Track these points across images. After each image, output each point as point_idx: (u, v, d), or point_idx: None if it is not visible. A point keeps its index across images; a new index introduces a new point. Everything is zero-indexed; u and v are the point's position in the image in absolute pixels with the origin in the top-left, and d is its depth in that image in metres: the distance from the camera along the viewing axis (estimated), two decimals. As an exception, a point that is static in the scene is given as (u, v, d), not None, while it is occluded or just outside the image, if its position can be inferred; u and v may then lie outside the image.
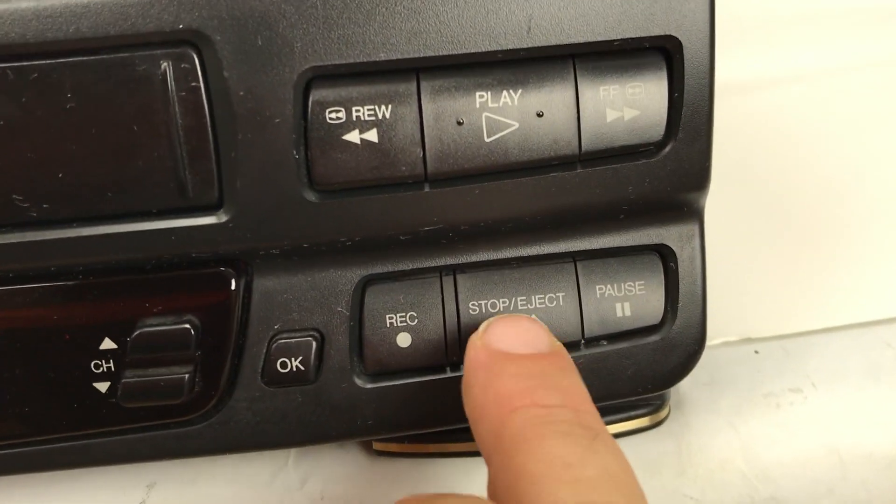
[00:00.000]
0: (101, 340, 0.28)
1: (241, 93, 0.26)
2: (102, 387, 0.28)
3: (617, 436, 0.34)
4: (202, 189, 0.26)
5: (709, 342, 0.31)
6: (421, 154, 0.27)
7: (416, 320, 0.29)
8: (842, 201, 0.40)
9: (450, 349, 0.29)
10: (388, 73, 0.26)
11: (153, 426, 0.29)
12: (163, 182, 0.26)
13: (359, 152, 0.26)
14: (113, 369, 0.28)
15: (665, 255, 0.30)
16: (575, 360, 0.28)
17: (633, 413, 0.33)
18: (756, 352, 0.39)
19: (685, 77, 0.27)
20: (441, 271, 0.30)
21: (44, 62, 0.25)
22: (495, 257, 0.30)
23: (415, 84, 0.26)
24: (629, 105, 0.27)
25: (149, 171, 0.26)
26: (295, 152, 0.26)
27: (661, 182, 0.28)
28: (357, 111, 0.26)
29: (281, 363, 0.29)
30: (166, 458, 0.30)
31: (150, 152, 0.26)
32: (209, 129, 0.26)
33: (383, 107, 0.26)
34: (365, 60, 0.26)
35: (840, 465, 0.34)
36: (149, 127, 0.26)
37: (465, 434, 0.31)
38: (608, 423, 0.29)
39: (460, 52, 0.26)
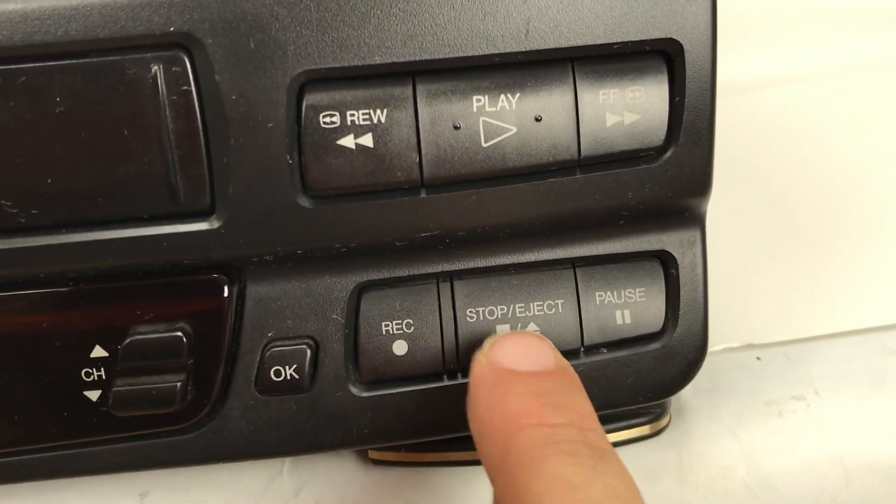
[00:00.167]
0: (92, 348, 0.28)
1: (234, 97, 0.25)
2: (93, 395, 0.28)
3: (617, 444, 0.33)
4: (194, 194, 0.26)
5: (710, 348, 0.31)
6: (417, 159, 0.26)
7: (413, 328, 0.29)
8: (845, 204, 0.40)
9: (447, 357, 0.29)
10: (383, 76, 0.26)
11: (145, 435, 0.29)
12: (154, 187, 0.26)
13: (354, 157, 0.26)
14: (104, 377, 0.28)
15: (666, 262, 0.30)
16: (574, 368, 0.28)
17: (633, 421, 0.33)
18: (758, 358, 0.39)
19: (686, 81, 0.27)
20: (438, 278, 0.29)
21: (32, 65, 0.25)
22: (493, 264, 0.29)
23: (411, 88, 0.26)
24: (629, 109, 0.27)
25: (139, 176, 0.26)
26: (288, 157, 0.26)
27: (661, 188, 0.28)
28: (352, 115, 0.26)
29: (275, 371, 0.28)
30: (158, 468, 0.30)
31: (140, 157, 0.25)
32: (201, 133, 0.25)
33: (378, 111, 0.26)
34: (360, 64, 0.25)
35: (843, 473, 0.34)
36: (139, 131, 0.25)
37: (463, 443, 0.30)
38: (608, 432, 0.29)
39: (457, 56, 0.26)
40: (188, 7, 0.25)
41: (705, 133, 0.27)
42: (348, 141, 0.26)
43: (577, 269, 0.29)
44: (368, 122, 0.26)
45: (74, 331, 0.27)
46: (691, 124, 0.27)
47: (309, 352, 0.28)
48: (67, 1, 0.24)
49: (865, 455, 0.34)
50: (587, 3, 0.26)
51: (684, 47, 0.26)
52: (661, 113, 0.27)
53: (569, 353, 0.29)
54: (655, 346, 0.30)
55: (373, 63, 0.25)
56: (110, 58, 0.25)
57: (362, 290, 0.29)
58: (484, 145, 0.26)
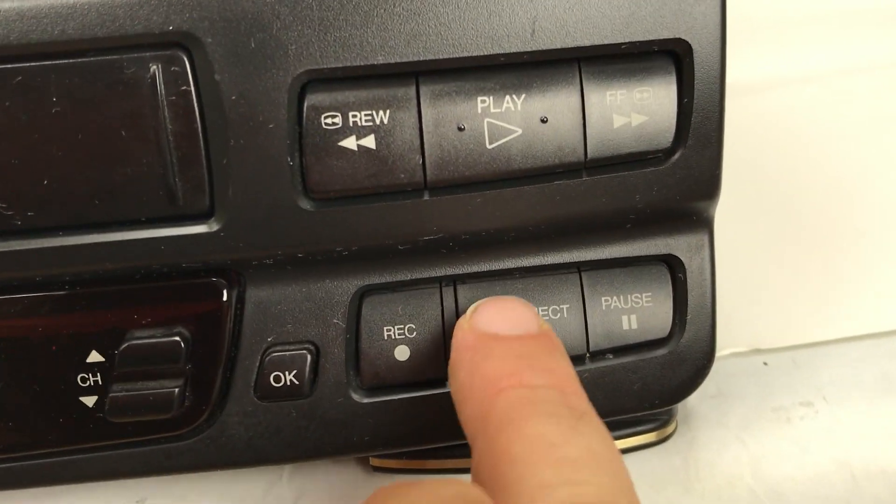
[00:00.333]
0: (88, 353, 0.27)
1: (234, 97, 0.25)
2: (89, 401, 0.27)
3: (623, 451, 0.33)
4: (193, 197, 0.26)
5: (717, 353, 0.30)
6: (420, 161, 0.26)
7: (415, 333, 0.28)
8: (854, 206, 0.39)
9: (449, 363, 0.28)
10: (386, 77, 0.25)
11: (142, 441, 0.28)
12: (152, 189, 0.25)
13: (356, 159, 0.26)
14: (100, 383, 0.27)
15: (673, 266, 0.29)
16: (579, 374, 0.27)
17: (639, 428, 0.32)
18: (765, 363, 0.38)
19: (695, 82, 0.26)
20: (441, 282, 0.29)
21: (28, 65, 0.24)
22: (497, 267, 0.29)
23: (414, 88, 0.25)
24: (637, 111, 0.26)
25: (137, 177, 0.25)
26: (289, 159, 0.25)
27: (669, 190, 0.27)
28: (354, 116, 0.25)
29: (274, 377, 0.28)
30: (156, 474, 0.29)
31: (138, 158, 0.25)
32: (200, 134, 0.25)
33: (381, 112, 0.25)
34: (362, 64, 0.25)
35: (852, 481, 0.33)
36: (137, 132, 0.25)
37: (465, 450, 0.30)
38: (614, 439, 0.29)
39: (461, 56, 0.25)
40: (188, 5, 0.24)
41: (714, 135, 0.27)
42: (350, 142, 0.25)
43: (582, 274, 0.29)
44: (371, 124, 0.25)
45: (70, 335, 0.27)
46: (700, 126, 0.27)
47: (309, 357, 0.28)
48: (64, -1, 0.24)
49: (875, 462, 0.34)
50: (594, 2, 0.25)
51: (693, 48, 0.26)
52: (670, 114, 0.27)
53: (574, 359, 0.28)
54: (662, 351, 0.29)
55: (376, 63, 0.25)
56: (108, 57, 0.24)
57: (364, 294, 0.28)
58: (489, 147, 0.26)
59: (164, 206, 0.26)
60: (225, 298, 0.27)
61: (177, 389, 0.27)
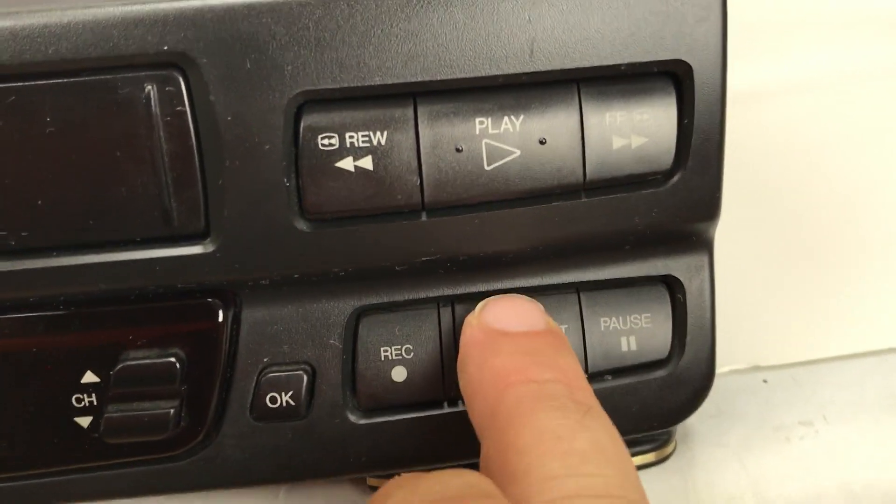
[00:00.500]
0: (83, 374, 0.27)
1: (229, 118, 0.25)
2: (84, 422, 0.27)
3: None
4: (188, 217, 0.25)
5: (716, 371, 0.30)
6: (418, 182, 0.26)
7: (412, 353, 0.28)
8: (855, 220, 0.39)
9: (447, 384, 0.28)
10: (383, 97, 0.25)
11: (137, 462, 0.28)
12: (147, 210, 0.25)
13: (352, 180, 0.25)
14: (95, 404, 0.27)
15: (673, 287, 0.29)
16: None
17: (638, 449, 0.32)
18: (765, 381, 0.38)
19: (695, 103, 0.26)
20: (438, 302, 0.28)
21: (21, 84, 0.24)
22: (495, 288, 0.28)
23: (412, 109, 0.25)
24: (636, 132, 0.26)
25: (132, 198, 0.25)
26: (285, 180, 0.25)
27: (669, 212, 0.27)
28: (351, 137, 0.25)
29: (270, 398, 0.28)
30: (151, 495, 0.29)
31: (133, 179, 0.25)
32: (195, 155, 0.25)
33: (378, 133, 0.25)
34: (359, 85, 0.25)
35: (854, 502, 0.33)
36: (132, 152, 0.25)
37: (463, 472, 0.30)
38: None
39: (459, 77, 0.25)
40: (183, 26, 0.24)
41: (714, 156, 0.27)
42: (347, 163, 0.25)
43: (581, 294, 0.29)
44: (368, 145, 0.25)
45: (65, 356, 0.27)
46: (700, 147, 0.26)
47: (305, 378, 0.28)
48: (58, 18, 0.24)
49: (877, 484, 0.33)
50: (594, 23, 0.25)
51: (693, 69, 0.26)
52: (669, 136, 0.26)
53: (572, 381, 0.28)
54: (661, 373, 0.29)
55: (373, 84, 0.25)
56: (102, 77, 0.24)
57: (360, 314, 0.28)
58: (487, 168, 0.26)
59: (159, 227, 0.25)
60: (221, 319, 0.27)
61: (172, 410, 0.27)
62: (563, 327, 0.28)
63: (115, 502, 0.30)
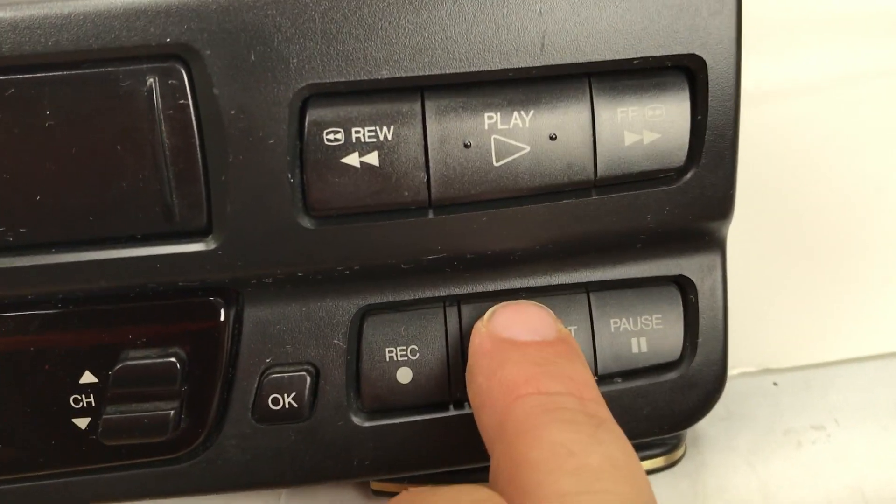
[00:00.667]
0: (81, 374, 0.26)
1: (233, 111, 0.24)
2: (82, 423, 0.27)
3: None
4: (190, 214, 0.25)
5: (726, 374, 0.29)
6: (425, 178, 0.25)
7: (418, 354, 0.28)
8: (866, 222, 0.38)
9: (453, 385, 0.28)
10: (390, 91, 0.25)
11: (137, 464, 0.28)
12: (148, 206, 0.25)
13: (358, 176, 0.25)
14: (93, 404, 0.27)
15: (684, 287, 0.28)
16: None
17: (647, 453, 0.32)
18: (775, 384, 0.38)
19: (709, 99, 0.25)
20: (445, 302, 0.28)
21: (21, 77, 0.24)
22: (503, 287, 0.28)
23: (419, 104, 0.25)
24: (649, 128, 0.26)
25: (133, 193, 0.25)
26: (290, 175, 0.25)
27: (681, 210, 0.26)
28: (357, 132, 0.25)
29: (273, 399, 0.27)
30: (151, 498, 0.28)
31: (134, 174, 0.24)
32: (198, 149, 0.24)
33: (385, 128, 0.25)
34: (366, 78, 0.24)
35: (866, 508, 0.32)
36: (133, 147, 0.24)
37: (468, 476, 0.29)
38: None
39: (468, 71, 0.24)
40: (186, 17, 0.23)
41: (728, 153, 0.26)
42: (353, 159, 0.25)
43: (590, 294, 0.28)
44: (374, 140, 0.25)
45: (63, 355, 0.26)
46: (713, 144, 0.26)
47: (309, 379, 0.27)
48: (59, 9, 0.23)
49: (888, 488, 0.33)
50: (606, 16, 0.25)
51: (707, 63, 0.25)
52: (682, 132, 0.26)
53: (582, 383, 0.28)
54: (672, 375, 0.28)
55: (380, 77, 0.24)
56: (103, 69, 0.24)
57: (365, 314, 0.28)
58: (495, 164, 0.25)
59: (161, 223, 0.25)
60: (222, 318, 0.27)
61: (172, 411, 0.27)
62: (572, 328, 0.28)
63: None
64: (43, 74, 0.24)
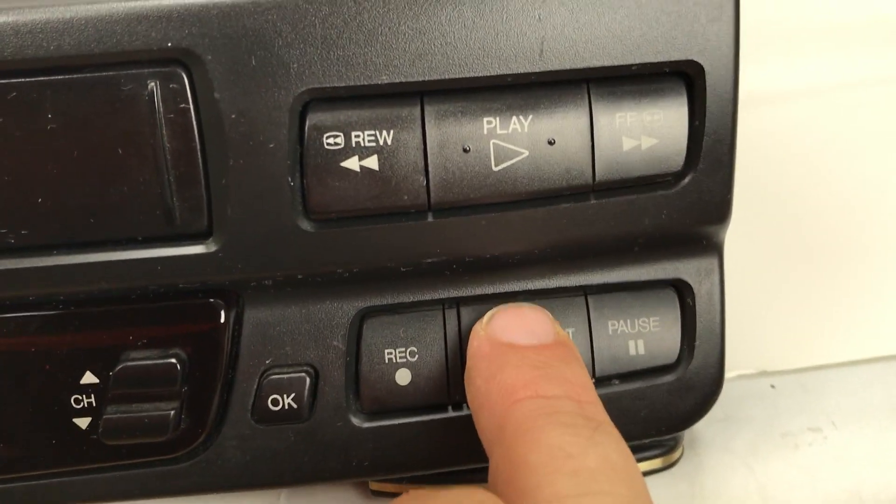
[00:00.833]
0: (82, 374, 0.27)
1: (233, 115, 0.24)
2: (83, 423, 0.27)
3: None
4: (191, 216, 0.25)
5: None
6: (424, 183, 0.25)
7: (417, 356, 0.28)
8: (862, 226, 0.38)
9: (452, 387, 0.28)
10: (390, 96, 0.25)
11: (137, 464, 0.28)
12: (149, 209, 0.25)
13: (358, 180, 0.25)
14: (94, 405, 0.27)
15: (682, 291, 0.29)
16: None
17: (645, 454, 0.32)
18: (772, 386, 0.38)
19: (707, 104, 0.26)
20: (444, 304, 0.28)
21: (23, 80, 0.24)
22: (501, 290, 0.28)
23: (419, 108, 0.25)
24: (647, 133, 0.26)
25: (134, 196, 0.25)
26: (290, 179, 0.25)
27: (679, 215, 0.27)
28: (356, 136, 0.25)
29: (272, 400, 0.27)
30: (151, 497, 0.29)
31: (135, 177, 0.25)
32: (199, 153, 0.25)
33: (385, 132, 0.25)
34: (366, 83, 0.24)
35: (862, 510, 0.33)
36: (134, 150, 0.24)
37: (467, 476, 0.29)
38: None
39: (468, 76, 0.25)
40: (187, 22, 0.24)
41: (726, 158, 0.26)
42: (352, 163, 0.25)
43: (588, 297, 0.28)
44: (374, 144, 0.25)
45: (64, 356, 0.26)
46: (711, 149, 0.26)
47: (308, 380, 0.27)
48: (61, 14, 0.23)
49: (886, 490, 0.33)
50: (604, 22, 0.25)
51: (705, 69, 0.25)
52: (680, 137, 0.26)
53: (579, 385, 0.28)
54: (670, 378, 0.29)
55: (379, 82, 0.24)
56: (105, 73, 0.24)
57: (364, 316, 0.28)
58: (494, 169, 0.25)
59: (162, 226, 0.25)
60: (222, 320, 0.27)
61: (172, 412, 0.27)
62: (570, 331, 0.28)
63: (115, 505, 0.29)
64: (45, 78, 0.24)
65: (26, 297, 0.26)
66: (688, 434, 0.35)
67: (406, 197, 0.25)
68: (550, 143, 0.25)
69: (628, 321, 0.28)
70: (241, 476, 0.28)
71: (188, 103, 0.24)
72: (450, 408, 0.28)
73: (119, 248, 0.25)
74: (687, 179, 0.26)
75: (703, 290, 0.28)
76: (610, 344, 0.28)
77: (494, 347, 0.26)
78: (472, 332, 0.27)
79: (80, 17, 0.23)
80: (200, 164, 0.25)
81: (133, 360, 0.26)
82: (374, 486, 0.32)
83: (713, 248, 0.28)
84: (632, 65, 0.25)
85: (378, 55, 0.24)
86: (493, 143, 0.25)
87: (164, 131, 0.24)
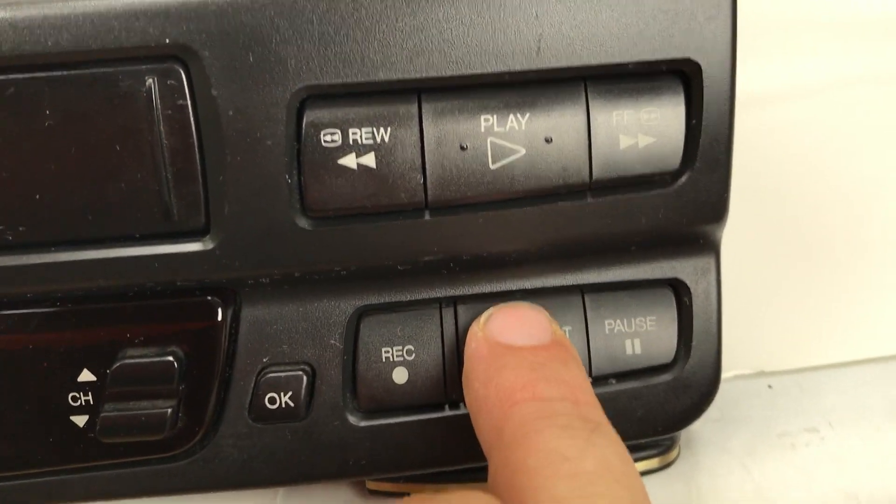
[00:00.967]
0: (80, 372, 0.26)
1: (231, 112, 0.24)
2: (80, 420, 0.27)
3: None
4: (188, 213, 0.25)
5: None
6: (421, 180, 0.25)
7: (414, 354, 0.28)
8: (860, 226, 0.38)
9: (449, 386, 0.28)
10: (387, 93, 0.25)
11: (134, 462, 0.28)
12: (146, 206, 0.25)
13: (355, 177, 0.25)
14: (91, 402, 0.27)
15: (679, 290, 0.29)
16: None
17: (641, 454, 0.32)
18: (769, 386, 0.38)
19: (704, 103, 0.26)
20: (441, 303, 0.28)
21: (20, 76, 0.24)
22: (498, 289, 0.28)
23: (416, 106, 0.25)
24: (644, 132, 0.26)
25: (131, 193, 0.25)
26: (287, 176, 0.25)
27: (676, 213, 0.27)
28: (354, 134, 0.25)
29: (269, 398, 0.27)
30: (147, 496, 0.29)
31: (133, 174, 0.25)
32: (196, 150, 0.25)
33: (382, 129, 0.25)
34: (363, 80, 0.24)
35: (859, 511, 0.33)
36: (132, 147, 0.24)
37: (464, 475, 0.29)
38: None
39: (465, 73, 0.25)
40: (185, 18, 0.24)
41: (723, 157, 0.26)
42: (350, 160, 0.25)
43: (585, 296, 0.28)
44: (371, 142, 0.25)
45: (61, 353, 0.26)
46: (708, 148, 0.26)
47: (305, 378, 0.27)
48: (58, 10, 0.23)
49: (883, 491, 0.33)
50: (602, 20, 0.25)
51: (702, 68, 0.25)
52: (677, 136, 0.26)
53: (576, 384, 0.28)
54: (666, 377, 0.29)
55: (377, 79, 0.24)
56: (103, 69, 0.24)
57: (362, 314, 0.28)
58: (491, 167, 0.25)
59: (159, 223, 0.25)
60: (220, 318, 0.27)
61: (169, 410, 0.27)
62: (567, 329, 0.28)
63: (110, 503, 0.29)
64: (42, 74, 0.24)
65: (24, 294, 0.26)
66: (684, 434, 0.35)
67: (403, 195, 0.25)
68: (547, 140, 0.25)
69: (625, 320, 0.28)
70: (238, 475, 0.28)
71: (186, 100, 0.24)
72: (447, 406, 0.28)
73: (116, 245, 0.25)
74: (684, 178, 0.26)
75: (699, 290, 0.28)
76: (606, 343, 0.28)
77: (492, 349, 0.26)
78: (469, 333, 0.27)
79: (77, 13, 0.23)
80: (198, 161, 0.25)
81: (130, 357, 0.26)
82: (371, 485, 0.32)
83: (710, 248, 0.28)
84: (629, 63, 0.25)
85: (375, 52, 0.24)
86: (491, 141, 0.25)
87: (161, 128, 0.24)
